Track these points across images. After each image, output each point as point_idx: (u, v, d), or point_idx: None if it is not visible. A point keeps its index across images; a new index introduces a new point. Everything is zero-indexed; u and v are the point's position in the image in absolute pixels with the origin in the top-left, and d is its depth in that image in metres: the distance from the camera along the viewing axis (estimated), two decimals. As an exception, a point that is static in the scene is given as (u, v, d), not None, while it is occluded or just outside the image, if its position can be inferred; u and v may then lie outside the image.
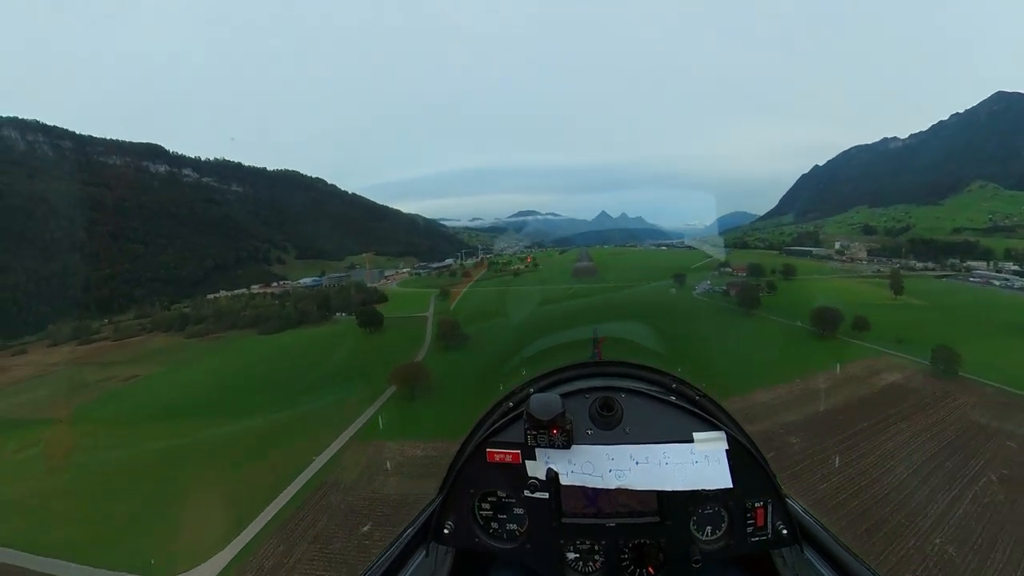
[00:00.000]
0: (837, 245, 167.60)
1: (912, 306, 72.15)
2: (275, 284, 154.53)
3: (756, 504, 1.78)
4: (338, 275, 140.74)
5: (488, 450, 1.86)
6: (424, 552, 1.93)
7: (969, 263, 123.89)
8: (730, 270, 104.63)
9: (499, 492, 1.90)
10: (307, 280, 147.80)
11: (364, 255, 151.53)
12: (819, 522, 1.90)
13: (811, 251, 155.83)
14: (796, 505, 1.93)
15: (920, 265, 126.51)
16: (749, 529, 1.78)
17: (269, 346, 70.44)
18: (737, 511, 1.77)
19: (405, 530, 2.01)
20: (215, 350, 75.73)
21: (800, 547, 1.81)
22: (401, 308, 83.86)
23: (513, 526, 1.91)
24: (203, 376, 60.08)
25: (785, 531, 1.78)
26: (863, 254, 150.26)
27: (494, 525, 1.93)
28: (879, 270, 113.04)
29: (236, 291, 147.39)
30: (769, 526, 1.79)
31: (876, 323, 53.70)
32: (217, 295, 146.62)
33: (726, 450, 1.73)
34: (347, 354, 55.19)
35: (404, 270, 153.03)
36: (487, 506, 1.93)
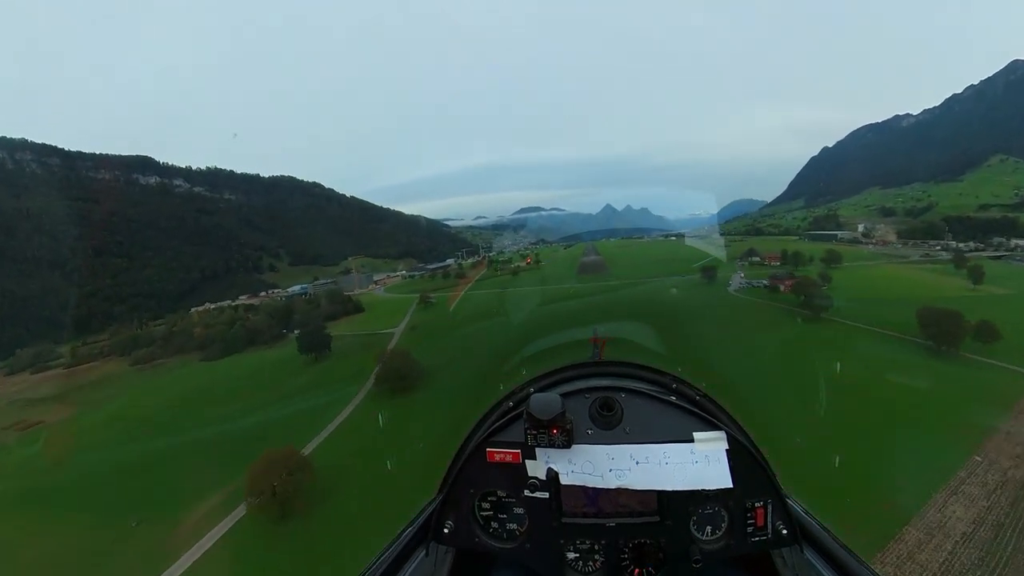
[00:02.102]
0: (860, 228, 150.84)
1: (1004, 298, 54.03)
2: (263, 293, 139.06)
3: (756, 504, 1.70)
4: (324, 282, 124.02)
5: (488, 450, 1.78)
6: (424, 552, 1.84)
7: (1015, 241, 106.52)
8: (759, 259, 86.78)
9: (499, 492, 1.82)
10: (295, 288, 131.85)
11: (350, 259, 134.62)
12: (819, 522, 1.81)
13: (836, 235, 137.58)
14: (796, 505, 1.83)
15: (964, 246, 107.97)
16: (749, 529, 1.70)
17: (195, 381, 54.05)
18: (737, 511, 1.69)
19: (405, 529, 1.90)
20: (142, 383, 59.66)
21: (800, 547, 1.73)
22: (373, 321, 67.04)
23: (513, 526, 1.83)
24: (92, 432, 43.59)
25: (785, 531, 1.70)
26: (892, 236, 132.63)
27: (494, 525, 1.84)
28: (928, 254, 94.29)
29: (220, 303, 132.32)
30: (769, 526, 1.70)
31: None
32: (200, 308, 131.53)
33: (726, 450, 1.66)
34: (253, 405, 37.87)
35: (397, 273, 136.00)
36: (487, 506, 1.84)
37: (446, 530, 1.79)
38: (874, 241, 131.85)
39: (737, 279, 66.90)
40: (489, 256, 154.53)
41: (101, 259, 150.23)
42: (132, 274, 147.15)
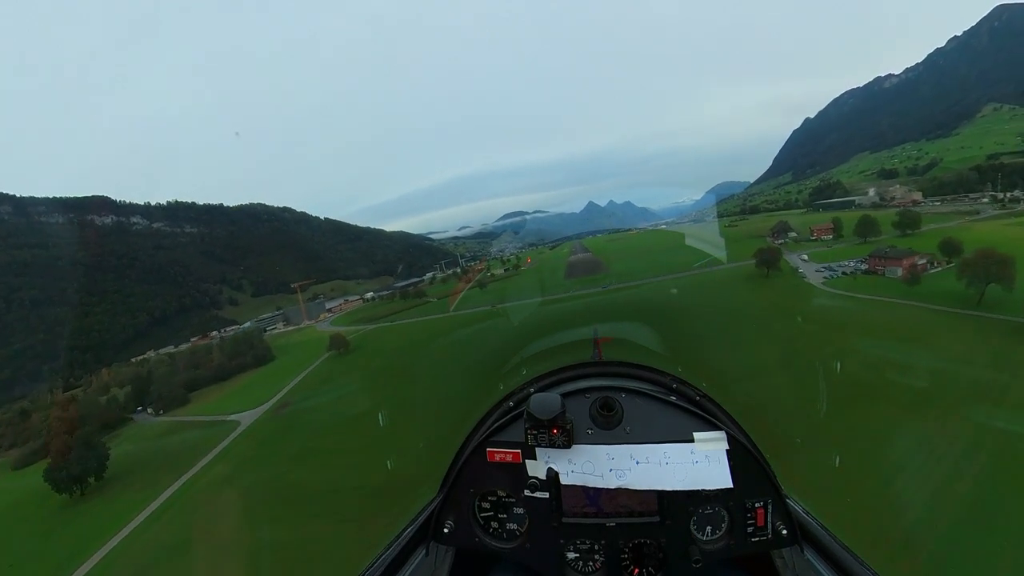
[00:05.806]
0: (871, 192, 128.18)
1: None
2: (213, 333, 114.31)
3: (756, 504, 1.62)
4: (270, 315, 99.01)
5: (488, 450, 1.71)
6: (424, 551, 1.77)
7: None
8: (795, 234, 62.50)
9: (499, 491, 1.75)
10: (247, 324, 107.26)
11: (294, 286, 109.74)
12: (819, 522, 1.73)
13: (854, 200, 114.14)
14: (796, 505, 1.77)
15: (1009, 195, 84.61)
16: (749, 529, 1.63)
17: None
18: (737, 511, 1.62)
19: (405, 529, 1.84)
20: None
21: (800, 547, 1.66)
22: (264, 382, 42.50)
23: (513, 525, 1.76)
24: None
25: (785, 531, 1.62)
26: (918, 195, 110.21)
27: (494, 524, 1.77)
28: (1004, 206, 70.21)
29: (163, 350, 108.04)
30: (769, 526, 1.63)
31: None
32: (141, 356, 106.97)
33: (726, 450, 1.58)
34: None
35: (355, 297, 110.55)
36: (487, 505, 1.77)
37: (446, 530, 1.70)
38: (897, 203, 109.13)
39: (802, 263, 42.05)
40: (471, 265, 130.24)
41: (37, 310, 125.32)
42: (70, 324, 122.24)
